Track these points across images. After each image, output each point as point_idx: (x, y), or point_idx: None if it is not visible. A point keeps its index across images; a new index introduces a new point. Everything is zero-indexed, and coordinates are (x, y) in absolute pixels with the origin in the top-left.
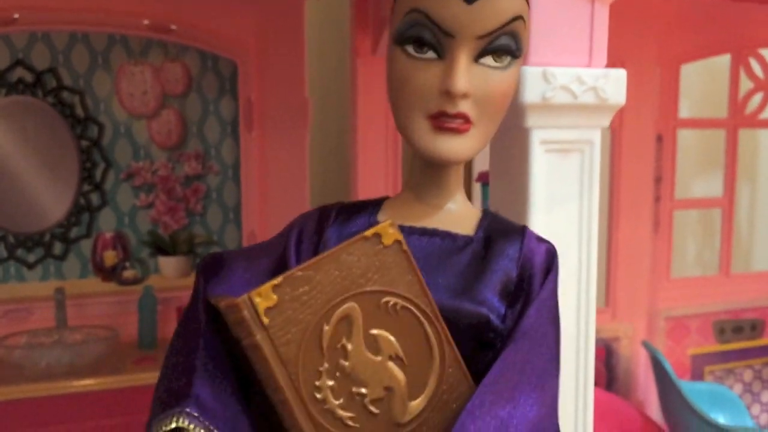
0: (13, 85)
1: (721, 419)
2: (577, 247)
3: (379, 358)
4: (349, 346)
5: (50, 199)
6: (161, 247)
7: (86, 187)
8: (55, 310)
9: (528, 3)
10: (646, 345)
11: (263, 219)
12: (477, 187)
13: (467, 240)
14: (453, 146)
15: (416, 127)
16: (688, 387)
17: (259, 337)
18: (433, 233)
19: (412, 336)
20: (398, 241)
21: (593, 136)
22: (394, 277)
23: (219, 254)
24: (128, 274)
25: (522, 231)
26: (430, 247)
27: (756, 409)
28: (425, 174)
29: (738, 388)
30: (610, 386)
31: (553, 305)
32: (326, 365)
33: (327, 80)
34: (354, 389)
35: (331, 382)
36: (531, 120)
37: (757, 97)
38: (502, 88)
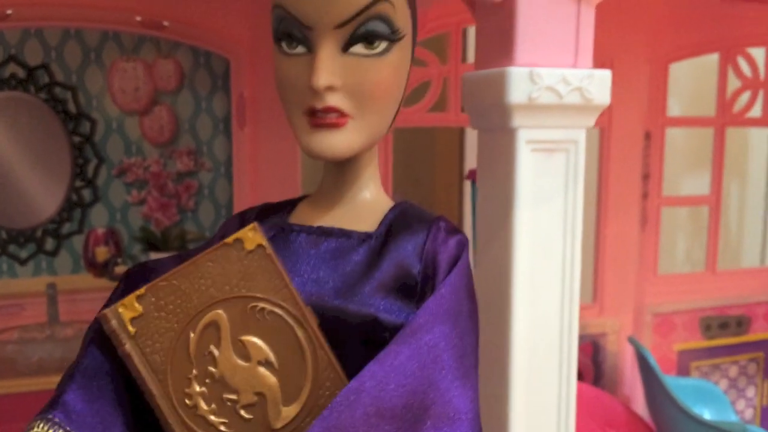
0: (5, 80)
1: (706, 414)
2: (561, 244)
3: (248, 364)
4: (217, 353)
5: (42, 195)
6: (153, 243)
7: (78, 183)
8: (47, 306)
9: None
10: (631, 341)
11: None
12: (467, 185)
13: (364, 237)
14: (330, 142)
15: (297, 125)
16: (673, 382)
17: (128, 346)
18: (329, 233)
19: (283, 341)
20: (261, 246)
21: (578, 136)
22: (260, 282)
23: (146, 262)
24: (120, 269)
25: (430, 224)
26: (324, 247)
27: (741, 404)
28: (329, 170)
29: (724, 383)
30: (597, 381)
31: (455, 301)
32: (195, 372)
33: None
34: (225, 395)
35: (201, 389)
36: (517, 120)
37: (745, 96)
38: (378, 75)
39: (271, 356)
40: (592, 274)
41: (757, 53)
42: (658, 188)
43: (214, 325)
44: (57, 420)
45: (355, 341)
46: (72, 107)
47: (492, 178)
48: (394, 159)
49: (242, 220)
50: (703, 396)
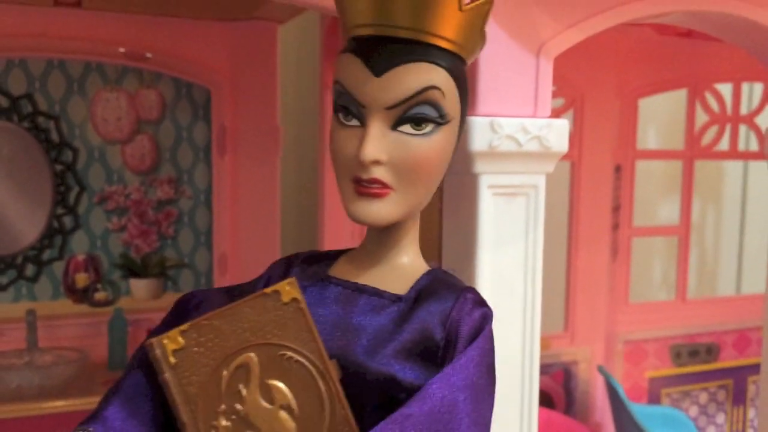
0: None
1: None
2: (522, 285)
3: (271, 407)
4: (245, 392)
5: (24, 222)
6: (133, 269)
7: (60, 210)
8: (26, 332)
9: (455, 70)
10: (600, 370)
11: (234, 242)
12: None
13: (395, 298)
14: (372, 210)
15: (344, 190)
16: (640, 410)
17: (167, 375)
18: (363, 290)
19: (306, 390)
20: (295, 299)
21: (538, 181)
22: (291, 332)
23: (195, 292)
24: (99, 296)
25: (459, 293)
26: (357, 303)
27: (711, 430)
28: (372, 231)
29: (694, 410)
30: (568, 408)
31: (471, 371)
32: (223, 407)
33: (298, 109)
34: None
35: (226, 423)
36: (479, 166)
37: (713, 130)
38: (421, 154)
39: (293, 403)
40: (564, 303)
41: (724, 89)
42: (629, 219)
43: (246, 366)
44: None
45: (373, 398)
46: (55, 136)
47: (456, 219)
48: None
49: (288, 264)
50: (671, 424)
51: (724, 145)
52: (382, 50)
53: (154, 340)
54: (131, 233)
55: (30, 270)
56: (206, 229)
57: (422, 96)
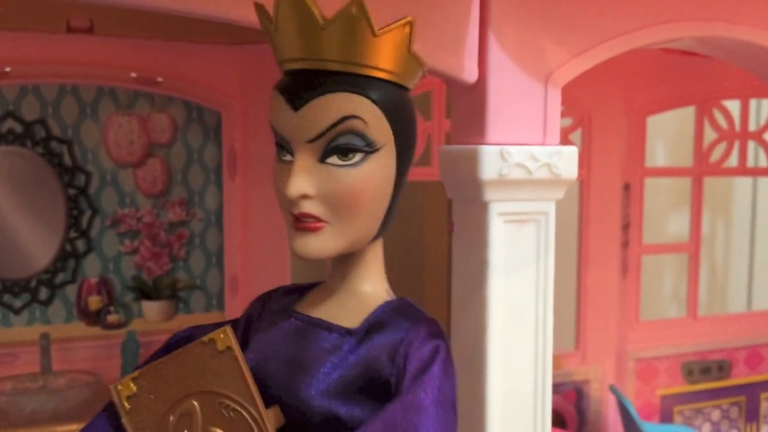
0: (2, 135)
1: None
2: (534, 310)
3: None
4: None
5: (37, 246)
6: (145, 291)
7: (72, 234)
8: (40, 355)
9: (382, 97)
10: (612, 389)
11: (245, 264)
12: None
13: (345, 332)
14: (308, 244)
15: (287, 225)
16: (652, 429)
17: (124, 420)
18: (316, 324)
19: None
20: (229, 348)
21: (548, 208)
22: (228, 381)
23: (189, 329)
24: (112, 318)
25: (411, 325)
26: (308, 337)
27: None
28: (334, 262)
29: (707, 427)
30: (580, 429)
31: (413, 410)
32: None
33: None
34: None
35: None
36: (489, 194)
37: (721, 147)
38: (351, 184)
39: None
40: (575, 322)
41: (731, 105)
42: (639, 237)
43: (189, 414)
44: None
45: None
46: (68, 160)
47: (466, 246)
48: None
49: (265, 300)
50: None
51: (732, 161)
52: (301, 84)
53: (112, 385)
54: (143, 256)
55: (43, 293)
56: (217, 250)
57: (342, 126)
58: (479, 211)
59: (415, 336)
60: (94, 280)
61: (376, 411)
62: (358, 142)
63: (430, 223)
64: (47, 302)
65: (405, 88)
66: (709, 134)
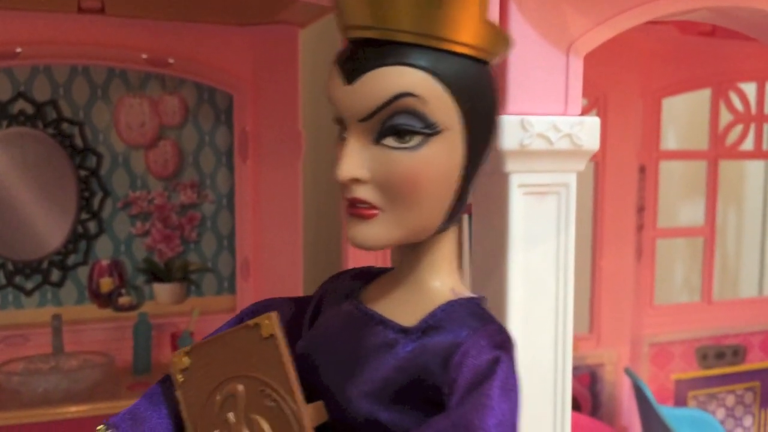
0: (14, 116)
1: None
2: (554, 285)
3: None
4: (232, 421)
5: (49, 228)
6: (156, 274)
7: (84, 216)
8: (51, 337)
9: (448, 72)
10: (628, 372)
11: (256, 246)
12: (465, 219)
13: (400, 330)
14: (361, 232)
15: (344, 211)
16: (669, 413)
17: (177, 392)
18: (371, 318)
19: (281, 429)
20: (273, 335)
21: (569, 180)
22: (270, 368)
23: (264, 301)
24: (124, 300)
25: (474, 330)
26: (362, 331)
27: None
28: (400, 251)
29: (721, 412)
30: (595, 412)
31: (461, 425)
32: (217, 430)
33: (322, 113)
34: None
35: None
36: (509, 165)
37: (737, 129)
38: (407, 170)
39: None
40: (589, 305)
41: (748, 88)
42: (653, 220)
43: (234, 396)
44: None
45: None
46: (79, 142)
47: (486, 220)
48: None
49: (335, 281)
50: (700, 426)
51: (748, 144)
52: (358, 55)
53: (172, 355)
54: (155, 238)
55: (55, 275)
56: (229, 233)
57: (396, 105)
58: (499, 182)
59: (474, 343)
60: (105, 262)
61: (421, 422)
62: (416, 124)
63: None
64: (59, 284)
65: (484, 63)
66: (725, 118)
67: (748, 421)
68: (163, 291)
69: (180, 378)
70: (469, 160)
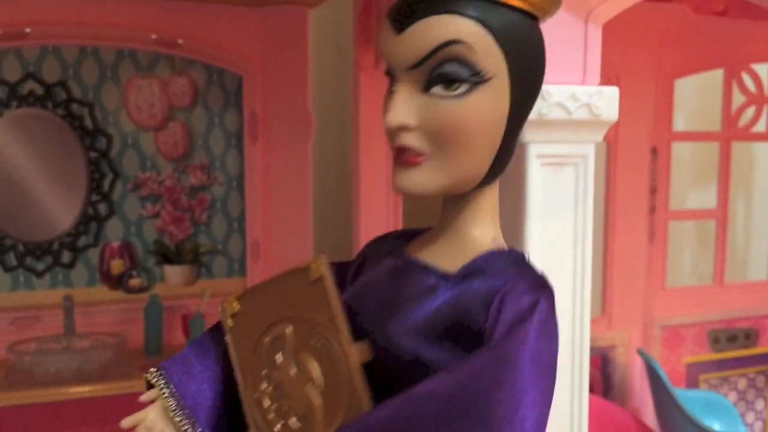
0: (24, 97)
1: (716, 426)
2: (572, 255)
3: (301, 380)
4: (280, 361)
5: (59, 209)
6: (167, 256)
7: (94, 197)
8: (63, 318)
9: (495, 21)
10: (640, 353)
11: (266, 228)
12: None
13: (443, 275)
14: (407, 179)
15: (392, 161)
16: (682, 394)
17: (227, 336)
18: (414, 265)
19: (330, 369)
20: (321, 278)
21: (587, 151)
22: (318, 309)
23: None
24: (134, 282)
25: (512, 276)
26: (405, 279)
27: (750, 416)
28: (444, 204)
29: (733, 396)
30: (606, 393)
31: (501, 363)
32: (265, 371)
33: (330, 94)
34: (282, 400)
35: (267, 388)
36: (528, 135)
37: (750, 111)
38: (454, 117)
39: (320, 379)
40: (601, 286)
41: (761, 69)
42: (665, 202)
43: (282, 337)
44: (163, 366)
45: (403, 376)
46: (89, 123)
47: (503, 190)
48: None
49: (378, 242)
50: (713, 408)
51: (761, 126)
52: (409, 5)
53: (220, 302)
54: (165, 220)
55: (66, 257)
56: (239, 215)
57: (444, 52)
58: (518, 153)
59: (515, 285)
60: (116, 243)
61: (461, 358)
62: (463, 71)
63: None
64: (70, 265)
65: (533, 18)
66: (737, 99)
67: (760, 404)
68: (173, 273)
69: (230, 322)
70: (514, 110)
